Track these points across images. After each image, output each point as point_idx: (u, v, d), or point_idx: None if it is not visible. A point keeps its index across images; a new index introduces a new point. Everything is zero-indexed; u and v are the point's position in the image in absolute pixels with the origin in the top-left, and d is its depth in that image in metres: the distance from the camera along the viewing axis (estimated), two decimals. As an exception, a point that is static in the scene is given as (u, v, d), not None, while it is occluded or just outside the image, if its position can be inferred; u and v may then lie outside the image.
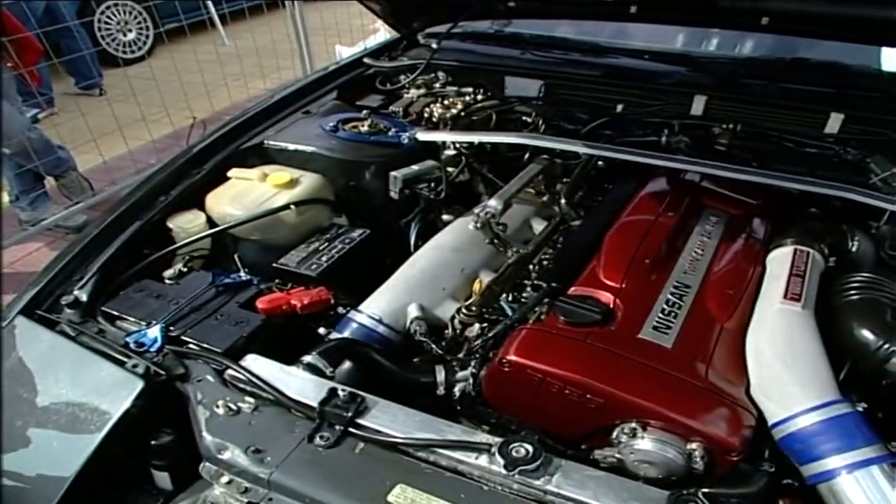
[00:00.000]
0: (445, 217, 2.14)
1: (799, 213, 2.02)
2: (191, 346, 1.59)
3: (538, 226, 2.15)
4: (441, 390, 1.58)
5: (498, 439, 1.27)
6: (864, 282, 1.67)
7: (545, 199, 2.26)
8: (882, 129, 2.20)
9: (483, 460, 1.24)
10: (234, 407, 1.39)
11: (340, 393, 1.35)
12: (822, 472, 1.32)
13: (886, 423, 1.47)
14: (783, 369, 1.46)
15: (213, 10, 7.54)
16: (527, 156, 2.32)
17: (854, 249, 1.91)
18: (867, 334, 1.54)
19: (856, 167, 2.12)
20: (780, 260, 1.76)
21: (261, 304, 1.71)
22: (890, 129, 2.19)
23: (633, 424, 1.37)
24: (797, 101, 2.32)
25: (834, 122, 2.25)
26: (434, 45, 2.72)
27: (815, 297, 1.65)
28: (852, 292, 1.65)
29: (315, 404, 1.34)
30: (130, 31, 8.02)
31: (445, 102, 2.43)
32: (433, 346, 1.69)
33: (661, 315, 1.59)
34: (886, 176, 2.04)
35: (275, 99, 2.54)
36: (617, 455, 1.39)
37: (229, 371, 1.47)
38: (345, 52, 5.40)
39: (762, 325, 1.58)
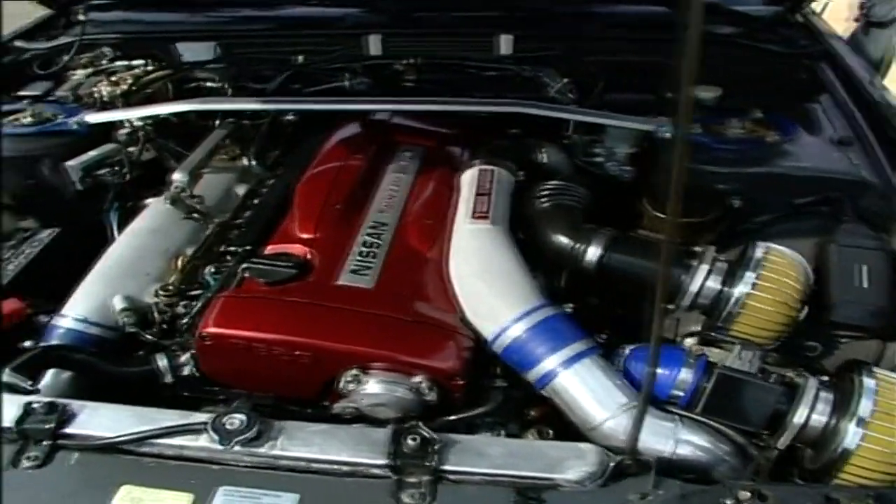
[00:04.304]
0: (148, 200, 2.02)
1: (495, 135, 2.08)
2: None
3: (242, 192, 2.08)
4: (168, 378, 1.50)
5: (212, 416, 1.23)
6: (550, 190, 1.78)
7: (243, 163, 2.20)
8: (549, 45, 2.35)
9: (204, 440, 1.20)
10: (-84, 453, 1.22)
11: (37, 406, 1.24)
12: (542, 374, 1.39)
13: (618, 317, 1.59)
14: (484, 287, 1.52)
15: None
16: (217, 122, 2.25)
17: (544, 161, 2.02)
18: (560, 238, 1.64)
19: (533, 83, 2.25)
20: (467, 182, 1.82)
21: (-58, 329, 1.53)
22: (556, 44, 2.34)
23: (354, 371, 1.38)
24: (469, 28, 2.42)
25: (506, 44, 2.37)
26: (86, 18, 2.53)
27: (508, 212, 1.73)
28: (541, 201, 1.75)
29: (11, 424, 1.21)
30: None
31: (113, 79, 2.28)
32: (145, 335, 1.60)
33: (358, 258, 1.60)
34: (559, 87, 2.19)
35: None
36: (352, 405, 1.40)
37: None
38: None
39: (457, 248, 1.62)
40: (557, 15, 2.45)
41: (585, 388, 1.36)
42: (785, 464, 1.35)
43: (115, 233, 1.99)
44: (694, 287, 1.51)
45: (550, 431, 1.40)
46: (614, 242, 1.60)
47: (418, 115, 2.12)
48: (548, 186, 1.79)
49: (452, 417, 1.39)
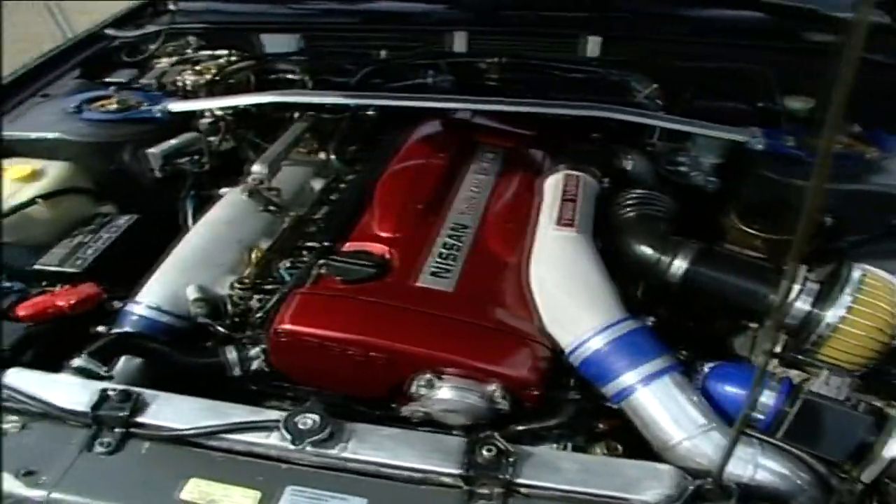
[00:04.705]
0: (223, 190, 2.03)
1: (578, 139, 2.04)
2: None
3: (318, 186, 2.09)
4: (236, 371, 1.49)
5: (284, 414, 1.22)
6: (636, 199, 1.73)
7: (321, 157, 2.20)
8: (639, 48, 2.29)
9: (274, 438, 1.19)
10: (-3, 430, 1.24)
11: (112, 393, 1.25)
12: (620, 390, 1.35)
13: (692, 332, 1.55)
14: (566, 296, 1.49)
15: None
16: (296, 115, 2.25)
17: (629, 168, 1.98)
18: (644, 250, 1.59)
19: (620, 87, 2.20)
20: (551, 187, 1.79)
21: (21, 310, 1.54)
22: (647, 47, 2.28)
23: (428, 375, 1.36)
24: (557, 28, 2.37)
25: (593, 46, 2.32)
26: (177, 8, 2.57)
27: (592, 220, 1.69)
28: (626, 210, 1.71)
29: (87, 409, 1.23)
30: None
31: (197, 68, 2.30)
32: (217, 326, 1.60)
33: (438, 259, 1.57)
34: (649, 92, 2.13)
35: (4, 84, 2.29)
36: (422, 409, 1.38)
37: None
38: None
39: (540, 254, 1.59)
40: (647, 17, 2.38)
41: (663, 406, 1.32)
42: (870, 498, 1.28)
43: (190, 221, 1.99)
44: None
45: (620, 447, 1.37)
46: (702, 256, 1.54)
47: (500, 116, 2.08)
48: (633, 195, 1.74)
49: (522, 427, 1.36)
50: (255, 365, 1.50)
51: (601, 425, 1.41)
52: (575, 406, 1.40)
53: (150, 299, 1.63)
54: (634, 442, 1.36)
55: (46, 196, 1.87)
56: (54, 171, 1.96)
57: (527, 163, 1.96)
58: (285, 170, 2.05)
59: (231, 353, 1.50)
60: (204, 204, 1.99)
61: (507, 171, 1.92)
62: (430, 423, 1.38)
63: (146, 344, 1.52)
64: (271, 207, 1.86)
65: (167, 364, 1.50)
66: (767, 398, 1.31)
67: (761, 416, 1.31)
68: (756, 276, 1.51)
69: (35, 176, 1.92)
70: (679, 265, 1.54)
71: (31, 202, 1.84)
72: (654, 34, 2.32)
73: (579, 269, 1.54)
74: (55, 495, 1.14)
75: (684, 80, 2.15)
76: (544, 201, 1.76)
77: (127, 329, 1.57)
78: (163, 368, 1.50)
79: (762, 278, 1.50)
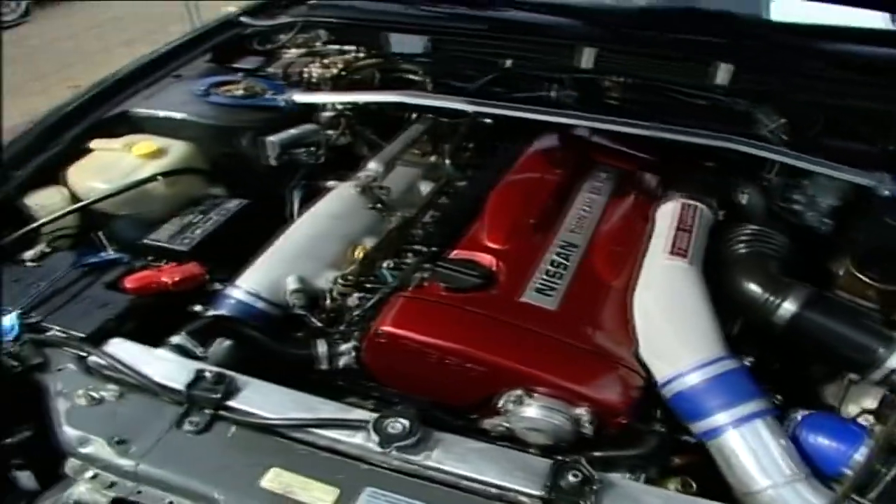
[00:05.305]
0: (330, 183, 2.05)
1: (693, 167, 1.99)
2: (53, 333, 1.45)
3: (426, 188, 2.09)
4: (323, 365, 1.50)
5: (374, 415, 1.21)
6: (750, 234, 1.68)
7: (432, 160, 2.20)
8: (770, 79, 2.20)
9: (360, 438, 1.19)
10: (96, 396, 1.28)
11: (207, 374, 1.27)
12: (709, 429, 1.32)
13: (779, 376, 1.48)
14: (669, 327, 1.45)
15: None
16: (413, 116, 2.26)
17: (744, 202, 1.92)
18: (753, 288, 1.54)
19: (745, 118, 2.11)
20: (666, 215, 1.75)
21: (128, 283, 1.58)
22: (777, 79, 2.19)
23: (519, 392, 1.34)
24: (688, 52, 2.30)
25: (724, 73, 2.24)
26: (311, 1, 2.62)
27: (704, 252, 1.65)
28: (738, 245, 1.66)
29: (182, 388, 1.25)
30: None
31: (325, 62, 2.33)
32: (312, 318, 1.62)
33: (545, 276, 1.55)
34: (775, 127, 2.04)
35: (141, 63, 2.38)
36: (505, 423, 1.36)
37: (92, 357, 1.35)
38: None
39: (648, 282, 1.56)
40: (783, 49, 2.28)
41: (751, 450, 1.28)
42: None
43: (296, 212, 2.01)
44: (892, 363, 1.37)
45: (694, 485, 1.32)
46: (813, 301, 1.48)
47: (618, 136, 2.03)
48: (748, 230, 1.69)
49: (601, 453, 1.32)
50: (343, 361, 1.50)
51: (677, 460, 1.37)
52: (658, 438, 1.36)
53: (249, 285, 1.65)
54: (708, 480, 1.32)
55: (166, 174, 1.93)
56: (176, 151, 2.02)
57: (641, 186, 1.93)
58: (396, 170, 2.05)
59: (322, 347, 1.50)
60: (311, 195, 2.01)
61: (621, 193, 1.89)
62: (510, 439, 1.36)
63: (242, 328, 1.54)
64: (379, 206, 1.87)
65: (258, 350, 1.52)
66: (862, 456, 1.25)
67: (851, 473, 1.25)
68: (868, 328, 1.44)
69: (158, 154, 1.98)
70: (788, 308, 1.48)
71: (152, 178, 1.90)
72: (788, 66, 2.21)
73: (687, 301, 1.50)
74: (143, 466, 1.17)
75: (813, 116, 2.05)
76: (657, 228, 1.73)
77: (223, 311, 1.60)
78: (253, 354, 1.52)
79: (874, 332, 1.42)
